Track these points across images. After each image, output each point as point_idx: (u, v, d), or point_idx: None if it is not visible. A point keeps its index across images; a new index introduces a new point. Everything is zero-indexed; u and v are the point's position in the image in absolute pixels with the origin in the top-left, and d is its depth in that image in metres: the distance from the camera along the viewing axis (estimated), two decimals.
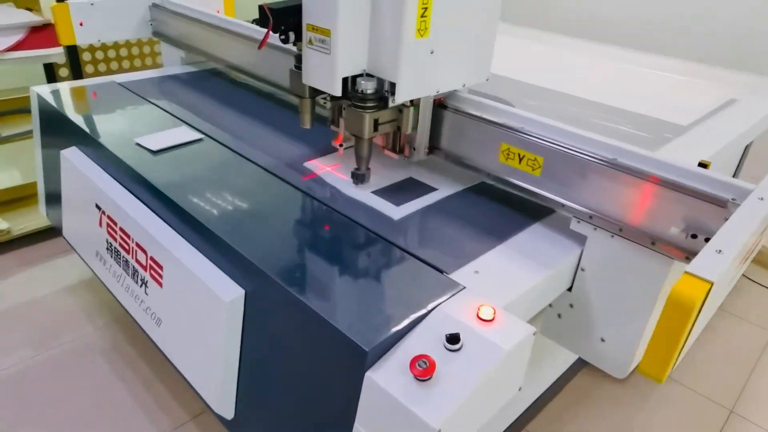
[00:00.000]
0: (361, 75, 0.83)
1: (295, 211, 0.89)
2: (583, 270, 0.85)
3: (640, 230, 0.77)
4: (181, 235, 0.87)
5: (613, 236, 0.80)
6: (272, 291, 0.73)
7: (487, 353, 0.62)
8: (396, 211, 0.89)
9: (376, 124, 0.87)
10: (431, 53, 0.82)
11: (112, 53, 1.81)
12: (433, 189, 0.96)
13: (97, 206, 1.03)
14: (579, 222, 0.83)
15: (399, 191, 0.95)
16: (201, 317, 0.80)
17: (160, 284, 0.88)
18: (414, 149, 0.96)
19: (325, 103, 0.96)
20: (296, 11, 0.80)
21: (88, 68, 1.77)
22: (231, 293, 0.77)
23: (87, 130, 1.10)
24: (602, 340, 0.86)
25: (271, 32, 0.82)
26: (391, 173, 0.99)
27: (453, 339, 0.62)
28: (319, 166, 1.02)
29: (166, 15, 1.47)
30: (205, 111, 1.23)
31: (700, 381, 1.27)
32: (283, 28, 0.82)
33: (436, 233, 0.84)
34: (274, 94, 1.34)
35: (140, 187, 0.97)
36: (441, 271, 0.76)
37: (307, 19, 0.81)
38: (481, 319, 0.65)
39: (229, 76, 1.44)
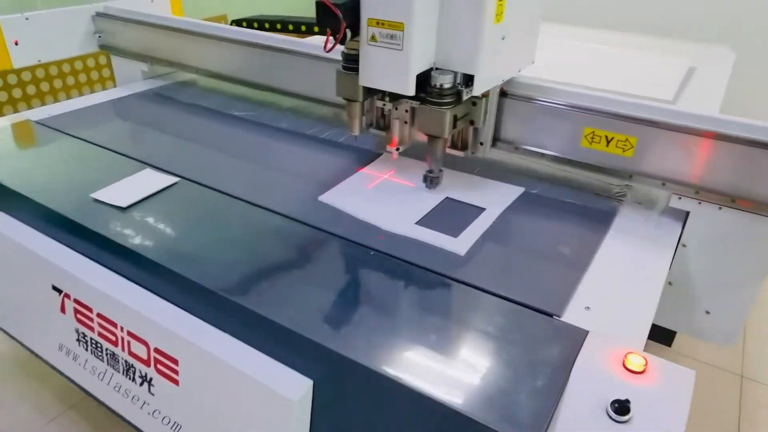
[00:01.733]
0: (430, 70, 0.76)
1: (336, 264, 0.73)
2: (684, 246, 0.81)
3: (755, 199, 0.75)
4: (201, 318, 0.68)
5: (721, 208, 0.78)
6: (358, 377, 0.58)
7: (665, 422, 0.51)
8: (457, 244, 0.75)
9: (455, 121, 0.79)
10: (503, 39, 0.77)
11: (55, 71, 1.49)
12: (480, 209, 0.84)
13: (56, 289, 0.80)
14: (680, 198, 0.81)
15: (443, 217, 0.82)
16: (252, 420, 0.63)
17: (175, 382, 0.69)
18: (481, 144, 0.88)
19: (384, 105, 0.85)
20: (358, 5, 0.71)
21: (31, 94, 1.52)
22: (297, 388, 0.61)
23: (17, 187, 0.85)
24: (707, 312, 0.83)
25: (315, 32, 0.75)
26: (422, 196, 0.87)
27: (622, 409, 0.50)
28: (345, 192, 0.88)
29: (116, 24, 1.29)
30: (176, 139, 1.06)
31: (700, 350, 1.26)
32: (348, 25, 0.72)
33: (515, 265, 0.74)
34: (268, 102, 1.19)
35: (118, 259, 0.76)
36: (550, 315, 0.63)
37: (369, 13, 0.72)
38: (631, 371, 0.55)
39: (204, 85, 1.29)
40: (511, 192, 0.89)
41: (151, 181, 0.89)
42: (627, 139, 0.81)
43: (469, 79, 0.76)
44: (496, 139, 0.90)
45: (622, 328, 0.62)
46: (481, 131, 0.86)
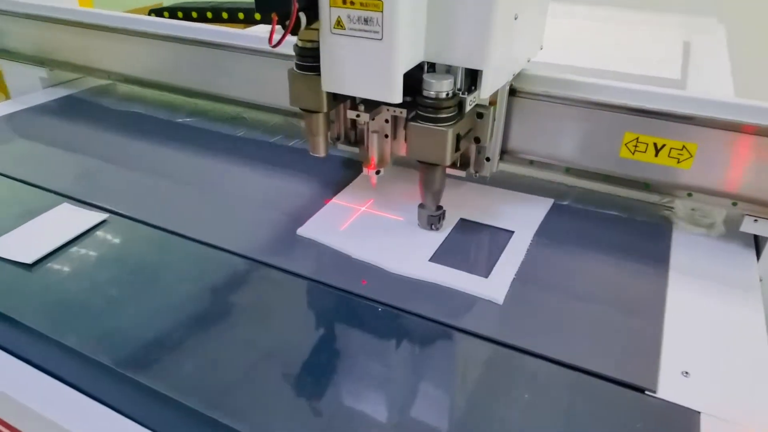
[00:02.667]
0: (419, 69, 0.58)
1: (328, 332, 0.56)
2: (761, 281, 0.64)
3: None
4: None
5: None
6: None
7: None
8: (492, 288, 0.60)
9: (457, 141, 0.61)
10: (515, 19, 0.59)
11: None
12: (507, 233, 0.69)
13: None
14: (757, 221, 0.66)
15: (463, 248, 0.67)
16: None
17: None
18: (487, 160, 0.70)
19: (358, 116, 0.66)
20: None
21: None
22: None
23: None
24: None
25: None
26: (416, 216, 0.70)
27: None
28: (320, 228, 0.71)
29: (4, 21, 1.08)
30: (95, 161, 0.85)
31: None
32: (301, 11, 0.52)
33: (570, 318, 0.58)
34: (207, 110, 1.01)
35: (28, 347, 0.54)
36: (641, 391, 0.50)
37: None
38: None
39: (123, 93, 1.09)
40: (539, 206, 0.74)
41: (70, 220, 0.69)
42: (684, 147, 0.65)
43: (472, 80, 0.60)
44: (504, 152, 0.74)
45: (736, 404, 0.49)
46: (486, 146, 0.69)
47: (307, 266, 0.63)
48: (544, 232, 0.69)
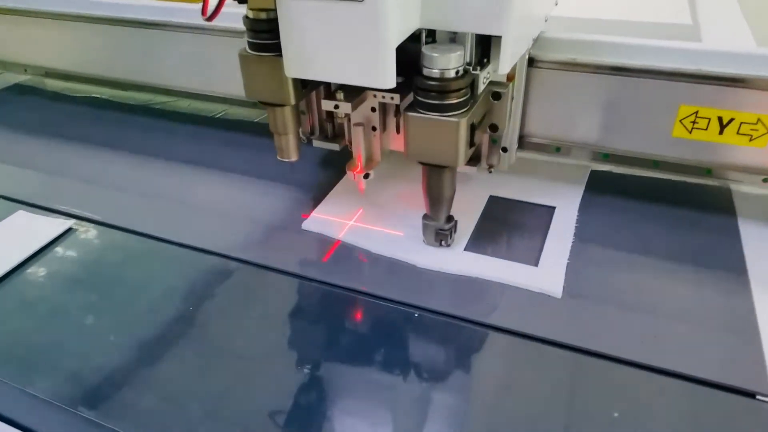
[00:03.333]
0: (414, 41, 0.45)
1: (357, 349, 0.47)
2: None
3: None
4: None
5: None
6: None
7: None
8: (546, 279, 0.52)
9: (472, 134, 0.48)
10: None
11: None
12: (548, 210, 0.61)
13: None
14: None
15: (500, 231, 0.59)
16: None
17: None
18: (503, 150, 0.59)
19: (336, 108, 0.53)
20: None
21: None
22: None
23: None
24: None
25: None
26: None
27: None
28: (322, 223, 0.61)
29: None
30: (48, 162, 0.77)
31: None
32: None
33: (648, 311, 0.50)
34: (151, 106, 0.90)
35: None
36: (752, 395, 0.43)
37: None
38: None
39: (53, 90, 0.96)
40: (576, 174, 0.66)
41: (30, 229, 0.61)
42: (760, 121, 0.54)
43: (483, 51, 0.48)
44: (522, 137, 0.64)
45: None
46: (501, 131, 0.56)
47: (314, 265, 0.56)
48: (590, 206, 0.62)
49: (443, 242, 0.55)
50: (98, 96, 0.93)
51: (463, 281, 0.53)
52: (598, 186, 0.65)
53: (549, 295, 0.51)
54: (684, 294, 0.52)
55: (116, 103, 0.90)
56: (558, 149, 0.63)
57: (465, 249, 0.56)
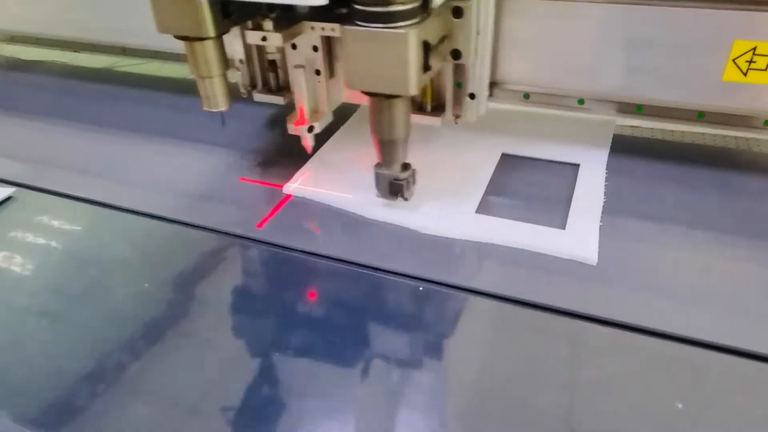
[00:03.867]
0: None
1: (354, 329, 0.39)
2: None
3: None
4: None
5: None
6: None
7: None
8: (576, 243, 0.44)
9: (426, 55, 0.39)
10: None
11: None
12: (571, 166, 0.53)
13: None
14: None
15: (517, 190, 0.50)
16: None
17: None
18: (471, 97, 0.48)
19: (264, 40, 0.43)
20: None
21: None
22: None
23: None
24: None
25: None
26: (457, 157, 0.54)
27: None
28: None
29: None
30: None
31: None
32: None
33: (702, 279, 0.41)
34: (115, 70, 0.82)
35: None
36: None
37: None
38: None
39: None
40: (601, 130, 0.57)
41: None
42: None
43: None
44: (495, 84, 0.54)
45: None
46: (468, 73, 0.47)
47: (290, 233, 0.46)
48: (619, 165, 0.53)
49: (400, 195, 0.46)
50: (51, 60, 0.85)
51: (476, 248, 0.44)
52: (627, 142, 0.56)
53: (582, 263, 0.41)
54: (733, 264, 0.43)
55: (71, 67, 0.82)
56: (581, 101, 0.52)
57: (477, 211, 0.47)
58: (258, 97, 0.52)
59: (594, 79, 0.51)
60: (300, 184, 0.50)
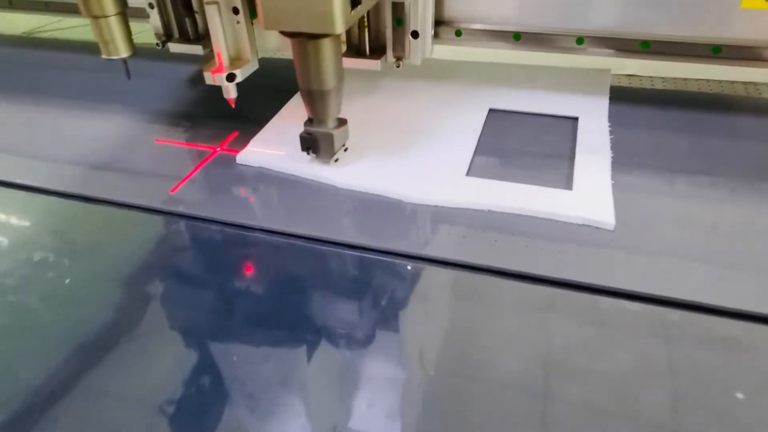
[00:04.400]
0: None
1: (332, 322, 0.31)
2: None
3: None
4: None
5: None
6: None
7: None
8: (587, 204, 0.37)
9: None
10: None
11: None
12: (569, 120, 0.46)
13: None
14: None
15: (513, 151, 0.43)
16: None
17: None
18: (414, 36, 0.42)
19: None
20: None
21: None
22: None
23: None
24: None
25: None
26: (429, 121, 0.46)
27: None
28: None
29: None
30: None
31: None
32: None
33: (738, 242, 0.35)
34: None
35: None
36: None
37: None
38: None
39: None
40: (596, 78, 0.51)
41: None
42: None
43: None
44: (441, 23, 0.48)
45: None
46: (408, 8, 0.41)
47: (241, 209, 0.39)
48: (622, 115, 0.46)
49: (323, 153, 0.40)
50: None
51: (471, 216, 0.36)
52: (626, 93, 0.50)
53: (597, 227, 0.34)
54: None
55: None
56: (580, 40, 0.45)
57: (468, 174, 0.40)
58: (174, 47, 0.45)
59: (592, 12, 0.44)
60: (252, 148, 0.43)
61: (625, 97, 0.49)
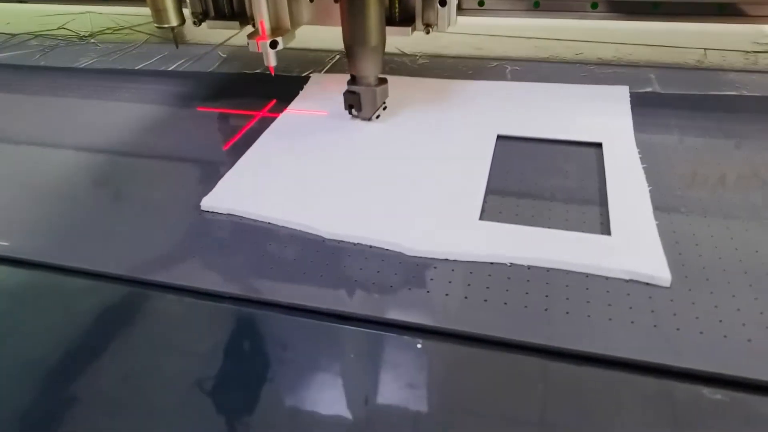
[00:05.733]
0: None
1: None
2: None
3: None
4: None
5: None
6: None
7: None
8: (631, 253, 0.30)
9: None
10: None
11: None
12: (591, 147, 0.40)
13: None
14: None
15: (526, 186, 0.37)
16: None
17: None
18: (443, 4, 0.43)
19: None
20: None
21: None
22: None
23: None
24: None
25: None
26: (420, 140, 0.42)
27: None
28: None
29: None
30: None
31: None
32: None
33: None
34: None
35: None
36: None
37: None
38: None
39: None
40: (613, 97, 0.45)
41: None
42: None
43: None
44: None
45: None
46: None
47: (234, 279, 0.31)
48: (650, 139, 0.40)
49: (354, 110, 0.42)
50: None
51: (491, 272, 0.29)
52: (652, 96, 0.43)
53: (649, 283, 0.28)
54: None
55: None
56: (595, 5, 0.40)
57: (481, 218, 0.33)
58: (210, 25, 0.47)
59: None
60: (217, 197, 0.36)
61: (645, 106, 0.43)
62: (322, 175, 0.37)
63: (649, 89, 0.46)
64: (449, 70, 0.52)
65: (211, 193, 0.36)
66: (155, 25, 0.46)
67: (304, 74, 0.53)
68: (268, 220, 0.33)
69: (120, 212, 0.35)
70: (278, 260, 0.30)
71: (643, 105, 0.44)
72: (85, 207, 0.36)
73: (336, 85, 0.50)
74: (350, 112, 0.43)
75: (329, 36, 0.49)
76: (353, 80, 0.43)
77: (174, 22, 0.46)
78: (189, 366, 0.25)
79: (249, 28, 0.46)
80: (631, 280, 0.28)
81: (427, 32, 0.45)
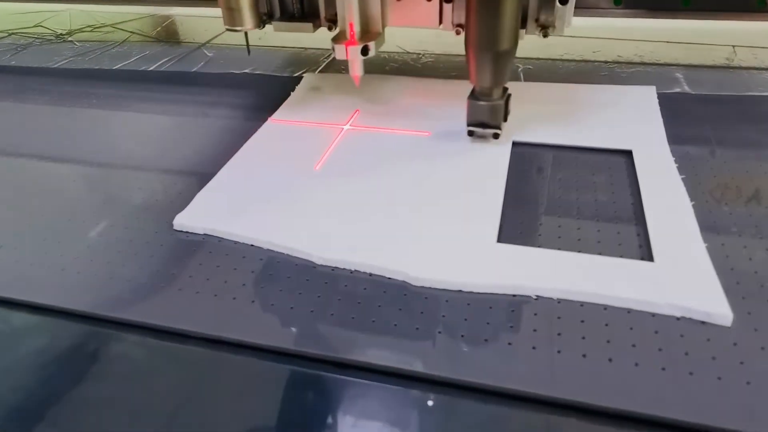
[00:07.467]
0: None
1: None
2: None
3: None
4: None
5: None
6: None
7: None
8: (682, 286, 0.25)
9: None
10: None
11: None
12: (620, 154, 0.35)
13: None
14: None
15: (553, 199, 0.32)
16: None
17: None
18: (562, 2, 0.37)
19: None
20: None
21: None
22: None
23: None
24: None
25: None
26: (440, 160, 0.36)
27: None
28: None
29: None
30: None
31: None
32: None
33: None
34: None
35: None
36: None
37: None
38: None
39: None
40: (639, 98, 0.41)
41: None
42: None
43: None
44: None
45: None
46: None
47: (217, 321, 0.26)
48: (684, 145, 0.36)
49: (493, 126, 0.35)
50: None
51: (514, 307, 0.24)
52: (681, 97, 0.40)
53: (704, 322, 0.23)
54: None
55: None
56: (618, 1, 0.36)
57: (499, 240, 0.29)
58: (277, 27, 0.41)
59: None
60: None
61: (676, 108, 0.38)
62: (312, 191, 0.32)
63: (677, 90, 0.41)
64: (455, 70, 0.48)
65: (185, 211, 0.31)
66: (226, 27, 0.40)
67: (296, 74, 0.48)
68: (250, 242, 0.29)
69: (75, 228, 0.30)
70: (260, 291, 0.26)
71: (672, 107, 0.39)
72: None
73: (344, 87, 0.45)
74: (470, 133, 0.36)
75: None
76: (473, 94, 0.36)
77: (249, 25, 0.39)
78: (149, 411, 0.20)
79: (323, 30, 0.41)
80: (682, 317, 0.23)
81: (545, 35, 0.38)
